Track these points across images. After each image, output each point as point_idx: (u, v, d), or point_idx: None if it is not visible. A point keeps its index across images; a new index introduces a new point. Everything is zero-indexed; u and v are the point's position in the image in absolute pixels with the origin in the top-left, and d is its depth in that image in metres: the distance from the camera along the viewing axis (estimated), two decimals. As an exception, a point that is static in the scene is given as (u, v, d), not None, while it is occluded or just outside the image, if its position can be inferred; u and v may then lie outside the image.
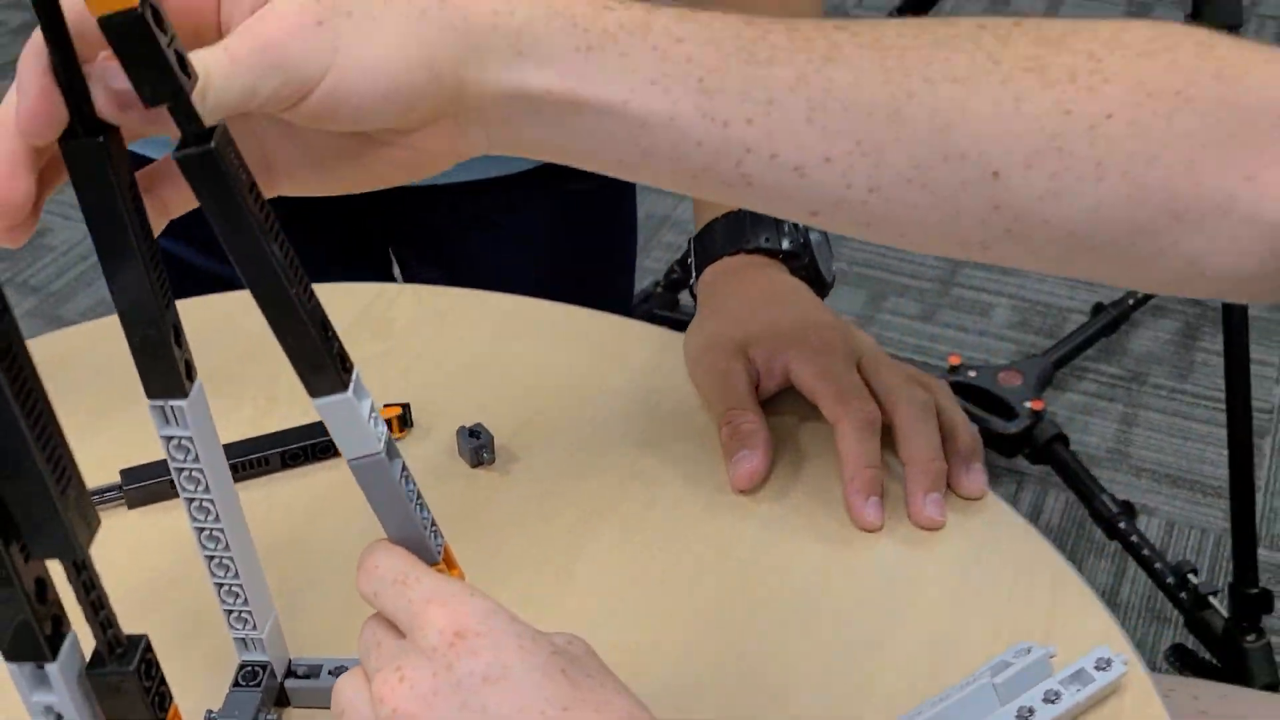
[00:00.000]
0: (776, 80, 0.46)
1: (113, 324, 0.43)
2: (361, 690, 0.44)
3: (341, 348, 0.44)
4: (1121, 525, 1.56)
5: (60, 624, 0.37)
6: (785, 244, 0.71)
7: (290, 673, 0.54)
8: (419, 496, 0.48)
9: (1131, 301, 1.92)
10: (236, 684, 0.52)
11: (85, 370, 0.70)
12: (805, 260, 0.71)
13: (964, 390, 1.72)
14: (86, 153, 0.39)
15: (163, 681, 0.40)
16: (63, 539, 0.34)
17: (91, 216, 0.40)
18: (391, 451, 0.47)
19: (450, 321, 0.74)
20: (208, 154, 0.39)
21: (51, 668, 0.37)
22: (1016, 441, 1.67)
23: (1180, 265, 0.49)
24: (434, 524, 0.48)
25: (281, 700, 0.54)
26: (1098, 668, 0.55)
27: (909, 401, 0.64)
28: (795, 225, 0.71)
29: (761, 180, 0.48)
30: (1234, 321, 1.41)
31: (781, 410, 0.67)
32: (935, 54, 0.48)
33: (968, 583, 0.60)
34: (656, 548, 0.61)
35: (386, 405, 0.66)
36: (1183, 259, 0.48)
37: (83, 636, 0.39)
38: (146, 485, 0.62)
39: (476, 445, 0.64)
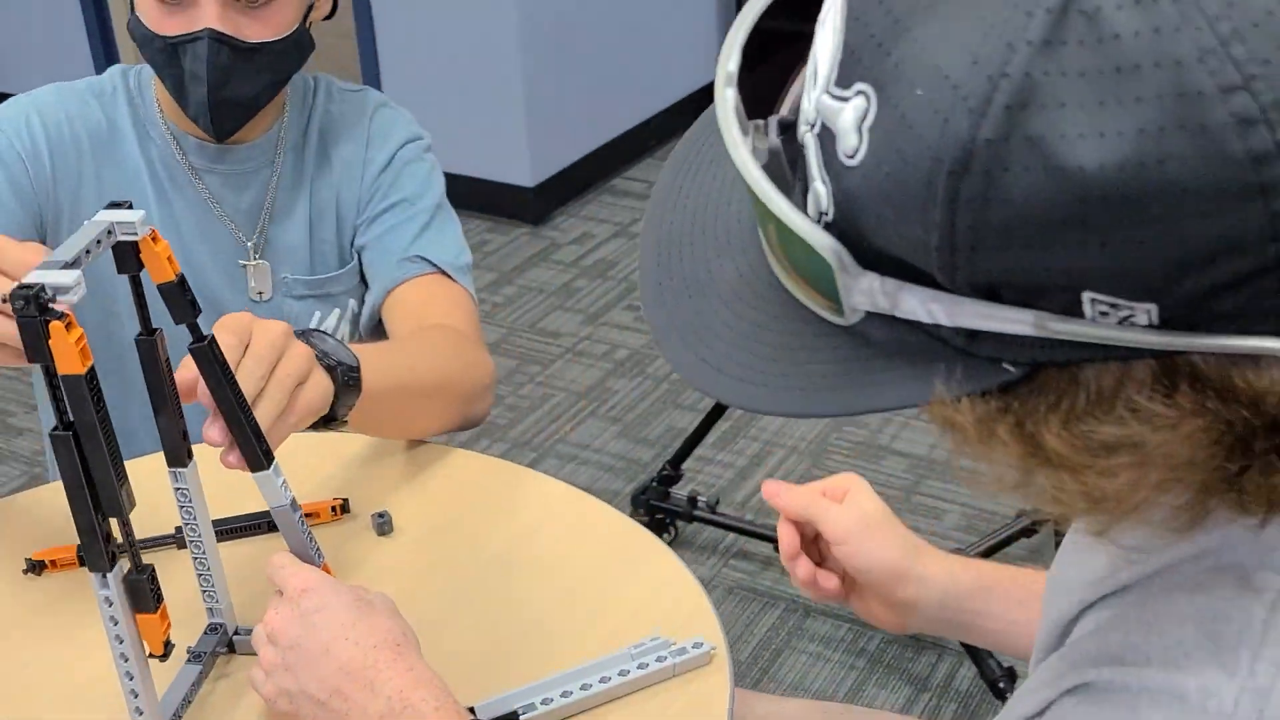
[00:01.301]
0: None
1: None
2: (261, 626, 0.90)
3: (268, 447, 0.91)
4: (1001, 685, 1.92)
5: (115, 556, 0.83)
6: (312, 332, 1.05)
7: (237, 631, 0.99)
8: (310, 532, 0.94)
9: (1051, 509, 2.30)
10: (205, 632, 0.98)
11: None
12: (320, 347, 1.02)
13: (892, 573, 2.11)
14: (148, 345, 0.87)
15: (159, 588, 0.85)
16: (118, 509, 0.81)
17: (146, 376, 0.88)
18: (294, 505, 0.93)
19: (381, 452, 1.21)
20: (204, 348, 0.87)
21: (109, 575, 0.83)
22: (930, 616, 2.04)
23: None
24: (318, 548, 0.94)
25: (231, 648, 0.99)
26: (694, 646, 0.97)
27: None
28: (325, 338, 1.04)
29: None
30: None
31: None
32: None
33: (634, 601, 1.02)
34: (466, 575, 1.06)
35: (335, 498, 1.13)
36: None
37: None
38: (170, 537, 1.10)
39: (381, 522, 1.11)
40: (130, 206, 0.83)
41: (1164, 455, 0.50)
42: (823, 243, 0.52)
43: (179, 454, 0.91)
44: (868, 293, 0.52)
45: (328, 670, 0.86)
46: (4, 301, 0.80)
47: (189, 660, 0.96)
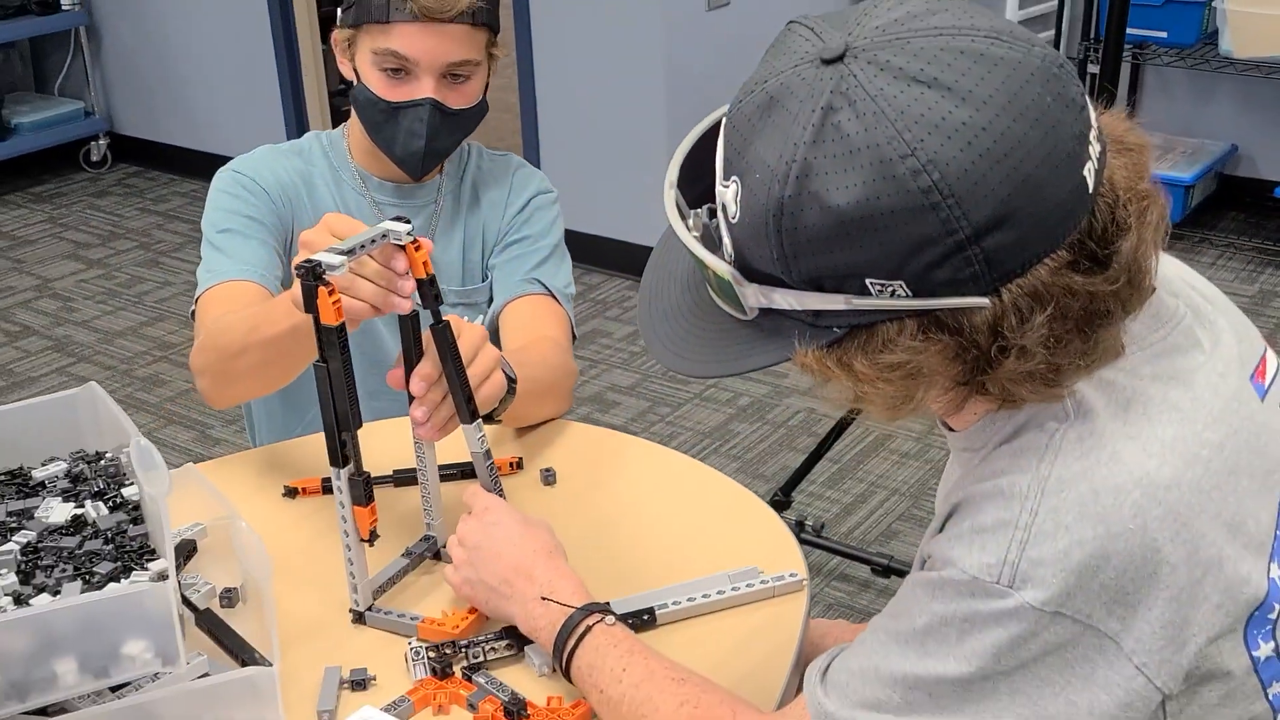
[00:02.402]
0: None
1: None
2: (454, 534, 1.24)
3: (475, 406, 1.25)
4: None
5: (347, 459, 1.17)
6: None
7: (444, 546, 1.33)
8: (497, 474, 1.28)
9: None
10: (420, 539, 1.32)
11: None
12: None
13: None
14: (409, 320, 1.22)
15: (371, 490, 1.19)
16: (349, 424, 1.15)
17: (403, 336, 1.23)
18: (488, 453, 1.27)
19: (549, 429, 1.55)
20: (441, 328, 1.22)
21: (341, 471, 1.17)
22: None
23: None
24: (500, 485, 1.28)
25: (437, 556, 1.32)
26: (790, 576, 1.27)
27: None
28: (505, 368, 1.37)
29: None
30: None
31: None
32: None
33: (732, 539, 1.33)
34: (608, 516, 1.38)
35: (512, 456, 1.46)
36: None
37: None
38: (404, 474, 1.44)
39: (547, 475, 1.44)
40: (408, 220, 1.18)
41: (923, 368, 0.85)
42: (725, 269, 0.88)
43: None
44: (754, 295, 0.88)
45: (500, 566, 1.19)
46: (298, 274, 1.13)
47: (402, 555, 1.31)
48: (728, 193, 0.87)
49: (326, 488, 1.45)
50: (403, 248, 1.18)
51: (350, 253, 1.14)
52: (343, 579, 1.27)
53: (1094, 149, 0.84)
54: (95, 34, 5.14)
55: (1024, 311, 0.83)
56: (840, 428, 2.71)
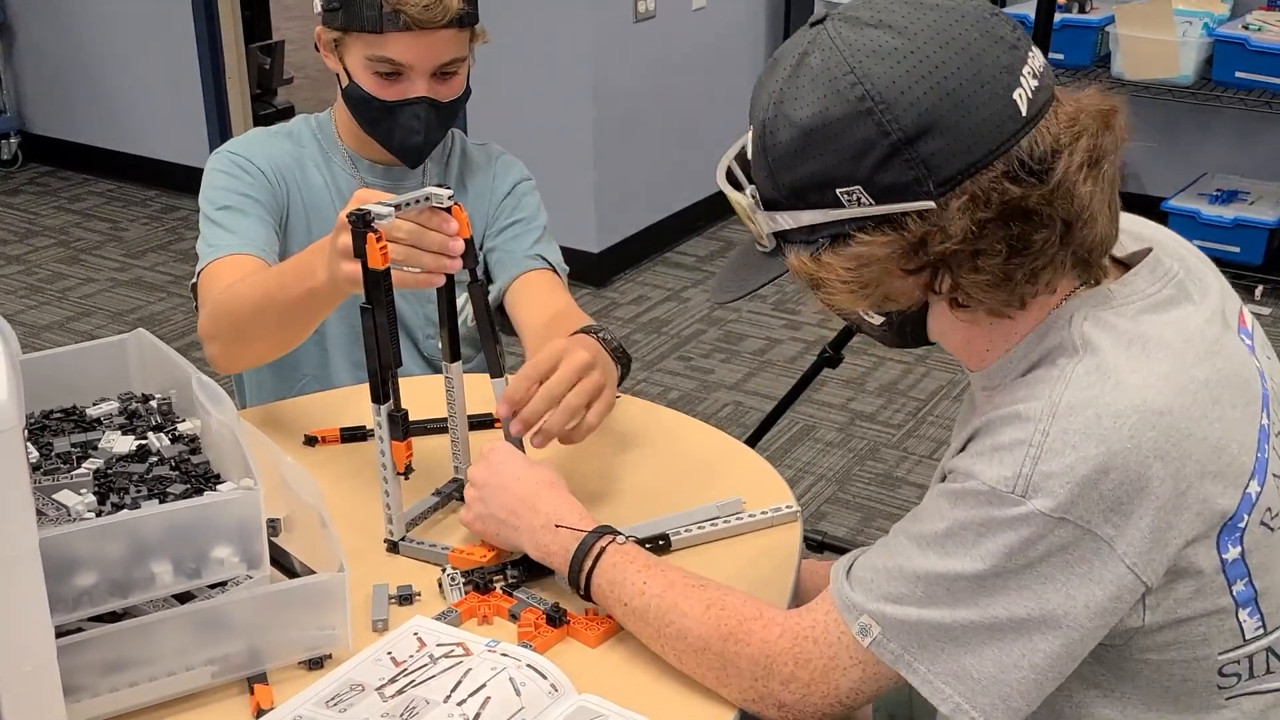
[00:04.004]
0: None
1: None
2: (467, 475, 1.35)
3: (504, 364, 1.36)
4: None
5: (388, 396, 1.27)
6: (597, 329, 1.54)
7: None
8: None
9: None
10: (449, 482, 1.42)
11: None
12: (605, 338, 1.51)
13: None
14: (447, 283, 1.33)
15: (408, 426, 1.29)
16: (390, 363, 1.26)
17: (440, 299, 1.34)
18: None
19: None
20: (479, 284, 1.33)
21: (382, 407, 1.27)
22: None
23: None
24: (521, 442, 1.39)
25: (463, 498, 1.42)
26: (787, 508, 1.41)
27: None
28: (605, 330, 1.53)
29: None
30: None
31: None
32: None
33: (725, 479, 1.46)
34: (615, 462, 1.50)
35: (519, 412, 1.58)
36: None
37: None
38: (422, 423, 1.54)
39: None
40: (447, 186, 1.29)
41: (878, 258, 1.01)
42: (744, 199, 1.07)
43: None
44: (765, 221, 1.07)
45: (506, 498, 1.29)
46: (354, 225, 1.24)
47: (432, 494, 1.41)
48: (747, 136, 1.06)
49: (345, 437, 1.54)
50: (447, 210, 1.29)
51: (397, 207, 1.25)
52: (370, 516, 1.37)
53: (1028, 82, 1.01)
54: (8, 33, 5.10)
55: (964, 213, 0.99)
56: (772, 419, 2.87)
